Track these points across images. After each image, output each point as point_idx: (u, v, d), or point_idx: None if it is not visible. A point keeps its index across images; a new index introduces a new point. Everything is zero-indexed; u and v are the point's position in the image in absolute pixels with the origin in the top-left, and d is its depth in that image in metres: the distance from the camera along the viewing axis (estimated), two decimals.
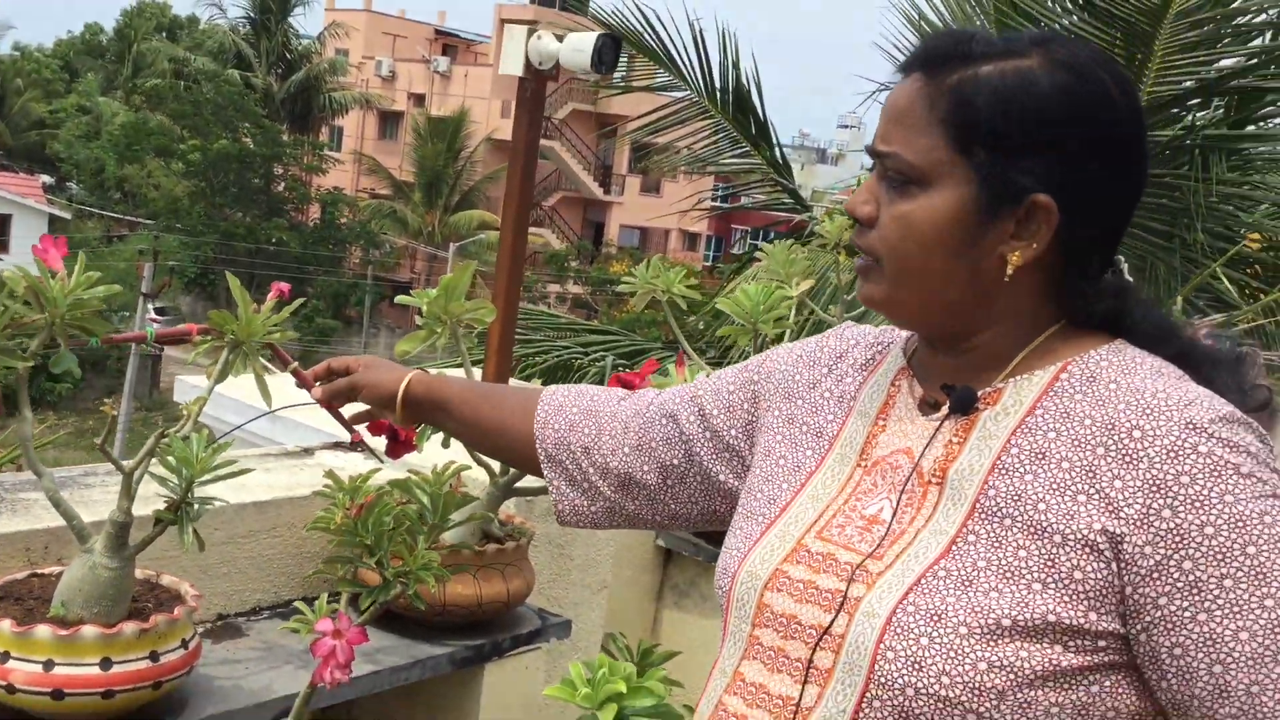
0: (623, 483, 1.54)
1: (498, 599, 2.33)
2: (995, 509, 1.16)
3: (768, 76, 8.09)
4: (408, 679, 2.25)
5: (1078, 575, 1.11)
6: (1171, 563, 1.08)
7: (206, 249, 35.00)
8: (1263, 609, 1.06)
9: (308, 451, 2.73)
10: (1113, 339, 1.24)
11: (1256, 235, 7.40)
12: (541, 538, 2.61)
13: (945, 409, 1.25)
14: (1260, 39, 7.03)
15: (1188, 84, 6.74)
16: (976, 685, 1.10)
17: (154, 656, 1.81)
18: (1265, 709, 1.06)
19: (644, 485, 1.53)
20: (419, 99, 43.75)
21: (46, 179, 41.78)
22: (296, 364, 2.22)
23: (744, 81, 8.05)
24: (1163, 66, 6.50)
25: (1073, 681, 1.11)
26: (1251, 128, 7.26)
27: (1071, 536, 1.12)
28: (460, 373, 2.21)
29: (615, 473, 1.54)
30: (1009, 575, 1.13)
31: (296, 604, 1.86)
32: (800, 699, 1.19)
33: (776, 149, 8.47)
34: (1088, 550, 1.11)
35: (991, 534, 1.15)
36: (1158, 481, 1.10)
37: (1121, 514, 1.10)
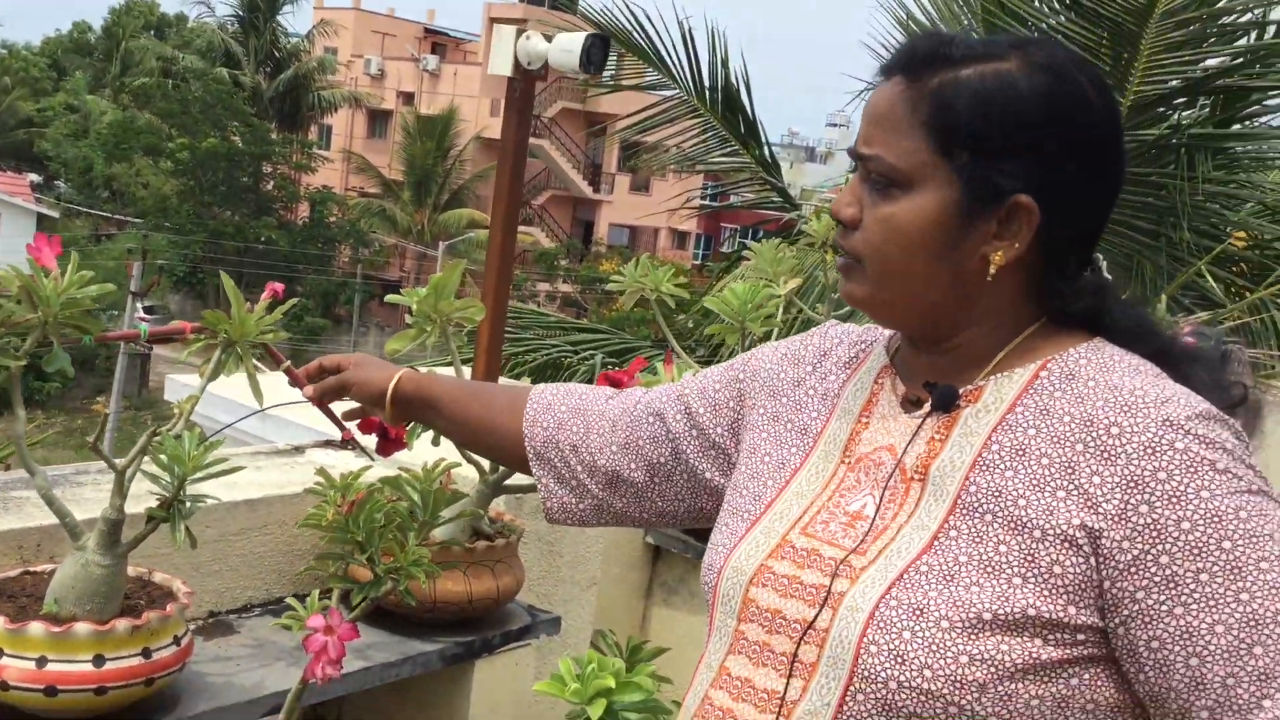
0: (610, 481, 1.56)
1: (488, 596, 2.34)
2: (976, 505, 1.18)
3: (761, 74, 8.12)
4: (398, 675, 2.26)
5: (1057, 570, 1.13)
6: (1149, 557, 1.10)
7: (195, 248, 34.93)
8: (1238, 603, 1.08)
9: (298, 450, 2.74)
10: (1091, 337, 1.25)
11: (1242, 234, 7.43)
12: (531, 535, 2.62)
13: (927, 406, 1.27)
14: (1245, 39, 7.06)
15: (1174, 83, 6.76)
16: (958, 678, 1.11)
17: (146, 653, 1.82)
18: (1240, 701, 1.08)
19: (631, 483, 1.54)
20: (408, 97, 43.69)
21: (34, 177, 41.61)
22: (289, 363, 2.23)
23: (733, 80, 8.06)
24: (1149, 66, 6.52)
25: (1053, 674, 1.12)
26: (1237, 126, 7.29)
27: (1051, 532, 1.13)
28: (450, 371, 2.23)
29: (603, 471, 1.56)
30: (990, 570, 1.14)
31: (288, 601, 1.87)
32: (785, 693, 1.21)
33: (765, 147, 8.48)
34: (1067, 545, 1.13)
35: (973, 529, 1.17)
36: (1135, 478, 1.12)
37: (1100, 509, 1.12)
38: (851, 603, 1.17)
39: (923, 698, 1.12)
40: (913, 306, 1.26)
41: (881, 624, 1.15)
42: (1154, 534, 1.10)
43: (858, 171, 1.27)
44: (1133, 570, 1.11)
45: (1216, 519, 1.09)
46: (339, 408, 1.84)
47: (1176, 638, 1.10)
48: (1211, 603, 1.08)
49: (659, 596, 3.30)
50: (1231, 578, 1.08)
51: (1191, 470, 1.10)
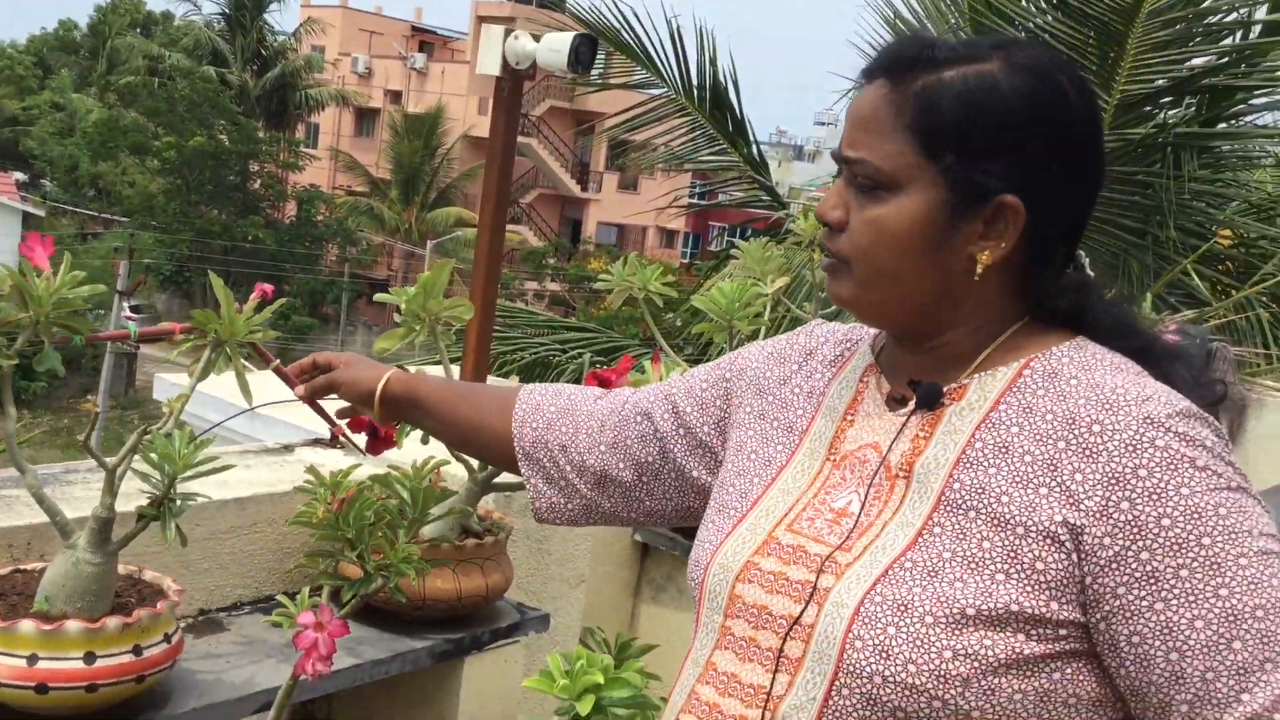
0: (599, 480, 1.56)
1: (477, 593, 2.35)
2: (960, 502, 1.19)
3: (749, 72, 8.13)
4: (388, 672, 2.27)
5: (1039, 566, 1.14)
6: (1130, 553, 1.11)
7: (182, 247, 34.82)
8: (1217, 598, 1.09)
9: (288, 448, 2.75)
10: (1074, 335, 1.27)
11: (1228, 232, 7.46)
12: (520, 533, 2.63)
13: (912, 404, 1.28)
14: (1231, 38, 7.09)
15: (1160, 82, 6.79)
16: (942, 673, 1.13)
17: (137, 651, 1.83)
18: (1219, 694, 1.09)
19: (620, 482, 1.55)
20: (395, 96, 43.59)
21: (20, 176, 41.43)
22: (278, 361, 2.24)
23: (721, 78, 8.06)
24: (1135, 65, 6.54)
25: (1035, 669, 1.14)
26: (1223, 125, 7.31)
27: (1033, 528, 1.15)
28: (439, 369, 2.23)
29: (591, 470, 1.56)
30: (973, 566, 1.15)
31: (278, 598, 1.88)
32: (771, 688, 1.22)
33: (753, 146, 8.48)
34: (1049, 541, 1.14)
35: (956, 526, 1.18)
36: (1116, 475, 1.13)
37: (1081, 506, 1.14)
38: (837, 598, 1.19)
39: (907, 692, 1.13)
40: (900, 306, 1.27)
41: (866, 619, 1.16)
42: (1135, 530, 1.11)
43: (842, 174, 1.28)
44: (1114, 566, 1.12)
45: (1196, 515, 1.10)
46: (330, 406, 1.84)
47: (1157, 633, 1.11)
48: (1191, 598, 1.10)
49: (647, 594, 3.31)
50: (1211, 573, 1.10)
51: (1172, 467, 1.12)
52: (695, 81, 8.02)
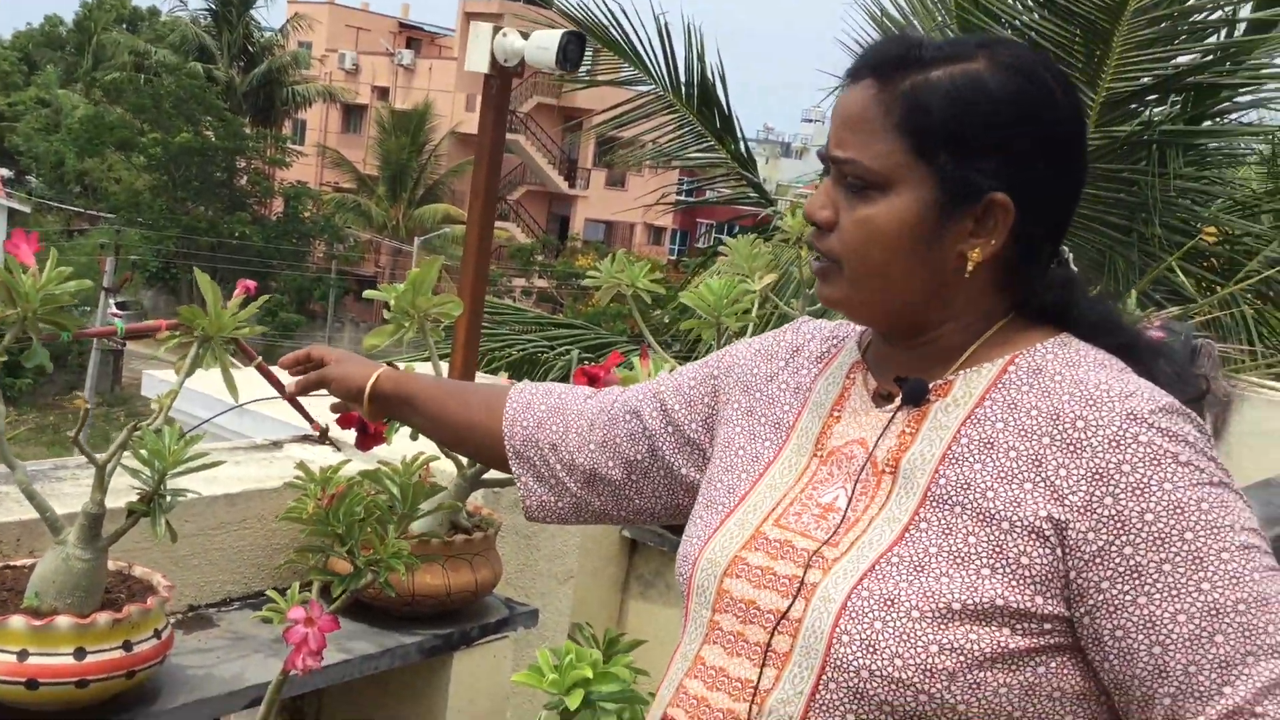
0: (588, 479, 1.57)
1: (466, 589, 2.36)
2: (946, 497, 1.20)
3: (737, 69, 8.13)
4: (377, 668, 2.27)
5: (1024, 561, 1.15)
6: (1113, 548, 1.12)
7: (168, 243, 34.71)
8: (1199, 592, 1.10)
9: (276, 445, 2.75)
10: (1059, 332, 1.28)
11: (1212, 229, 7.50)
12: (508, 529, 2.64)
13: (898, 401, 1.29)
14: (1215, 36, 7.12)
15: (1145, 80, 6.82)
16: (928, 667, 1.14)
17: (127, 646, 1.83)
18: (1202, 688, 1.10)
19: (609, 481, 1.56)
20: (383, 92, 43.50)
21: (5, 172, 41.23)
22: (260, 359, 2.25)
23: (709, 75, 8.07)
24: (1121, 63, 6.57)
25: (1020, 663, 1.15)
26: (1208, 123, 7.35)
27: (1018, 523, 1.16)
28: (428, 366, 2.24)
29: (581, 469, 1.57)
30: (959, 561, 1.16)
31: (268, 594, 1.89)
32: (759, 682, 1.23)
33: (741, 143, 8.49)
34: (1034, 536, 1.15)
35: (942, 521, 1.19)
36: (1100, 470, 1.14)
37: (1066, 501, 1.15)
38: (824, 593, 1.19)
39: (893, 686, 1.14)
40: (891, 305, 1.28)
41: (853, 614, 1.17)
42: (1118, 525, 1.12)
43: (830, 174, 1.28)
44: (1098, 561, 1.13)
45: (1179, 510, 1.12)
46: (318, 403, 1.85)
47: (1140, 627, 1.12)
48: (1174, 592, 1.11)
49: (635, 590, 3.32)
50: (1193, 568, 1.11)
51: (1155, 463, 1.13)
52: (683, 78, 8.02)
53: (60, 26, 49.80)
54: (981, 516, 1.18)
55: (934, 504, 1.21)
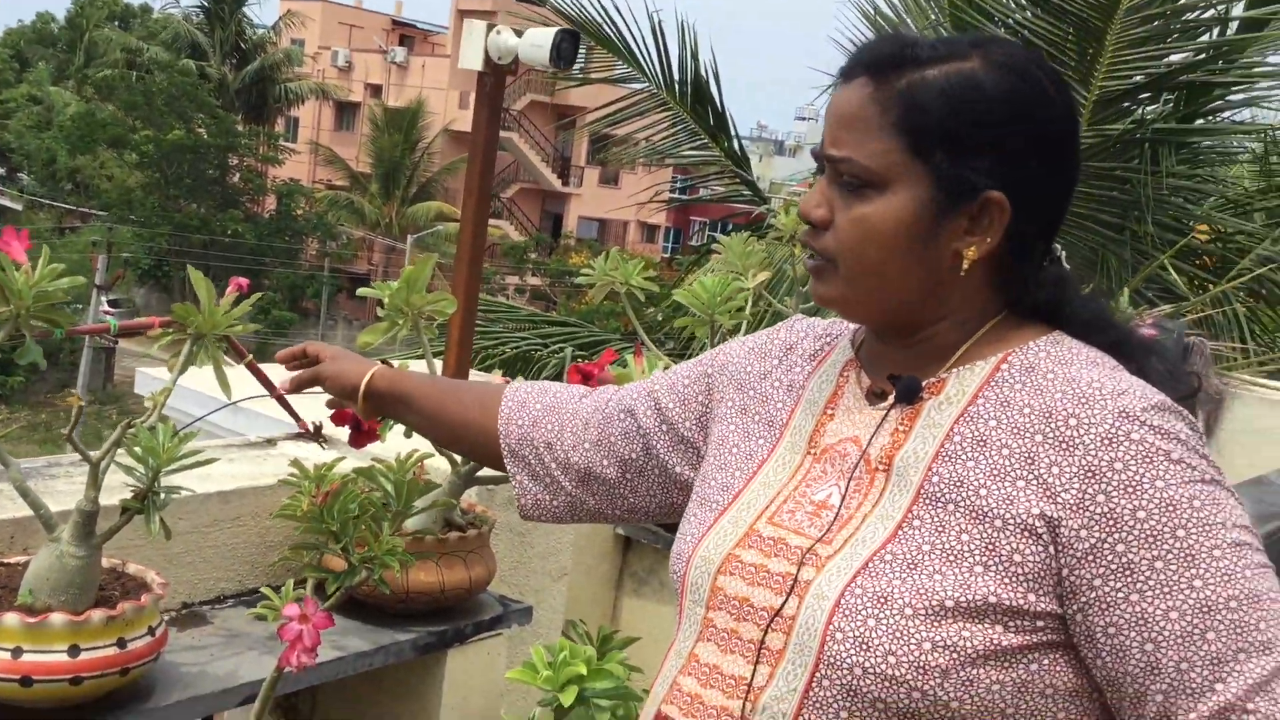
0: (583, 478, 1.57)
1: (460, 586, 2.36)
2: (939, 495, 1.21)
3: (730, 67, 8.12)
4: (371, 665, 2.27)
5: (1017, 558, 1.15)
6: (1105, 546, 1.13)
7: (160, 241, 34.67)
8: (1191, 589, 1.11)
9: (270, 442, 2.75)
10: (1051, 330, 1.28)
11: (1205, 227, 7.51)
12: (502, 526, 2.64)
13: (891, 399, 1.29)
14: (1208, 34, 7.13)
15: (1138, 78, 6.84)
16: (921, 664, 1.14)
17: (121, 643, 1.83)
18: (1194, 684, 1.10)
19: (604, 480, 1.56)
20: (376, 90, 43.48)
21: None
22: (250, 357, 2.24)
23: (703, 73, 8.07)
24: (1114, 61, 6.59)
25: (1013, 660, 1.15)
26: (1200, 121, 7.37)
27: (1011, 521, 1.16)
28: (422, 364, 2.24)
29: (576, 468, 1.57)
30: (952, 558, 1.17)
31: (262, 591, 1.89)
32: (752, 679, 1.23)
33: (734, 140, 8.49)
34: (1026, 534, 1.15)
35: (935, 519, 1.20)
36: (1093, 468, 1.14)
37: (1058, 499, 1.15)
38: (818, 591, 1.20)
39: (887, 683, 1.15)
40: (886, 303, 1.28)
41: (847, 611, 1.17)
42: (1110, 523, 1.13)
43: (825, 173, 1.28)
44: (1090, 558, 1.13)
45: (1171, 508, 1.12)
46: (313, 400, 1.85)
47: (1132, 624, 1.12)
48: (1166, 589, 1.11)
49: (629, 587, 3.32)
50: (1185, 565, 1.11)
51: (1147, 460, 1.13)
52: (676, 76, 8.02)
53: (52, 23, 49.65)
54: (974, 514, 1.18)
55: (927, 502, 1.21)
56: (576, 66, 7.90)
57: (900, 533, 1.20)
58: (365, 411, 1.73)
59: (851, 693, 1.16)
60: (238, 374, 1.96)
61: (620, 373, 2.25)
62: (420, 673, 2.47)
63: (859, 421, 1.31)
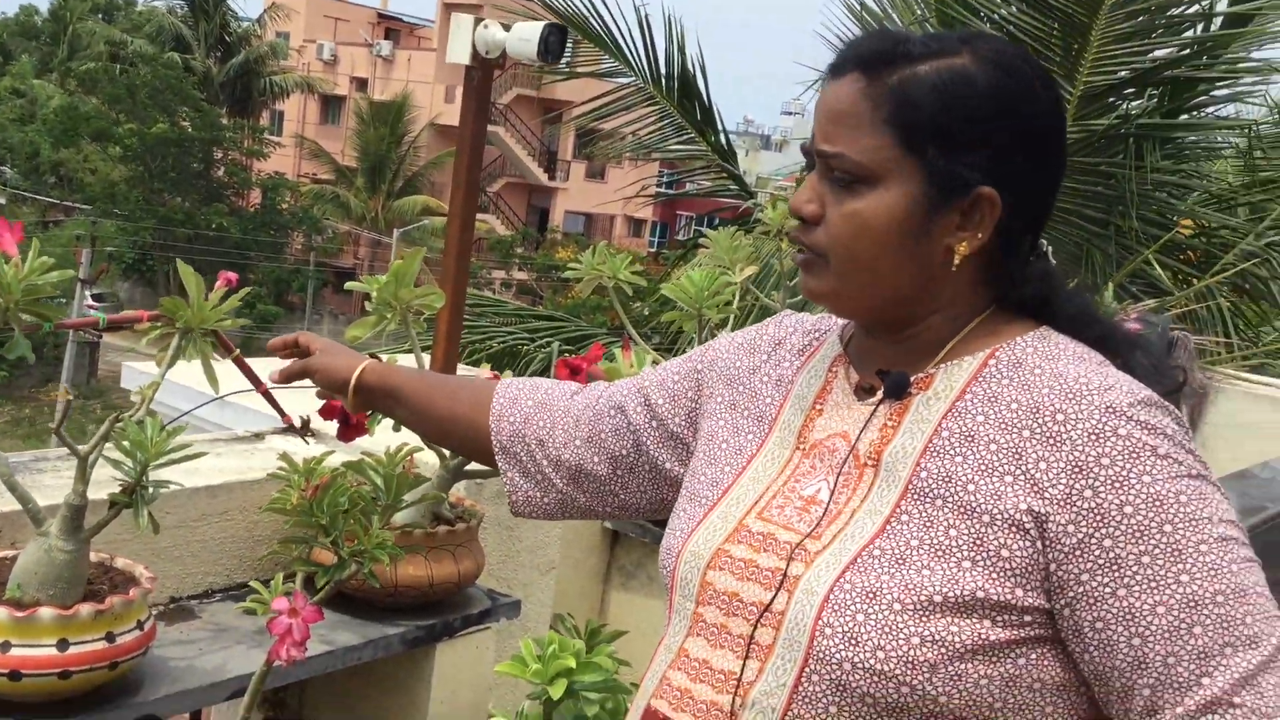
0: (574, 475, 1.57)
1: (449, 580, 2.36)
2: (927, 490, 1.21)
3: (717, 61, 8.12)
4: (360, 659, 2.28)
5: (1005, 553, 1.16)
6: (1093, 541, 1.13)
7: (145, 235, 34.53)
8: (1178, 584, 1.11)
9: (258, 436, 2.75)
10: (1038, 325, 1.29)
11: (1189, 222, 7.54)
12: (491, 520, 2.64)
13: (880, 394, 1.29)
14: (1192, 30, 7.16)
15: (1123, 74, 6.86)
16: (910, 659, 1.14)
17: (110, 637, 1.83)
18: (1180, 679, 1.11)
19: (595, 477, 1.56)
20: (361, 83, 43.34)
21: None
22: (238, 351, 2.24)
23: (690, 67, 8.06)
24: (1099, 56, 6.60)
25: (1001, 654, 1.16)
26: (1185, 117, 7.38)
27: (999, 516, 1.17)
28: (410, 358, 2.24)
29: (567, 465, 1.57)
30: (940, 554, 1.17)
31: (251, 585, 1.89)
32: (742, 674, 1.23)
33: (721, 135, 8.50)
34: (1014, 529, 1.16)
35: (923, 514, 1.20)
36: (1079, 463, 1.15)
37: (1046, 494, 1.16)
38: (807, 586, 1.20)
39: (875, 678, 1.15)
40: (877, 298, 1.28)
41: (836, 607, 1.17)
42: (1098, 518, 1.13)
43: (816, 168, 1.28)
44: (1077, 553, 1.14)
45: (1157, 503, 1.13)
46: (302, 393, 1.85)
47: (1119, 618, 1.13)
48: (1153, 584, 1.12)
49: (617, 581, 3.33)
50: (1172, 560, 1.12)
51: (1134, 456, 1.14)
52: (663, 70, 8.02)
53: (36, 16, 49.37)
54: (962, 509, 1.18)
55: (915, 497, 1.21)
56: (563, 61, 7.90)
57: (889, 528, 1.21)
58: (355, 405, 1.73)
59: (840, 687, 1.17)
60: (226, 368, 1.96)
61: (609, 367, 2.26)
62: (409, 667, 2.47)
63: (848, 417, 1.32)
